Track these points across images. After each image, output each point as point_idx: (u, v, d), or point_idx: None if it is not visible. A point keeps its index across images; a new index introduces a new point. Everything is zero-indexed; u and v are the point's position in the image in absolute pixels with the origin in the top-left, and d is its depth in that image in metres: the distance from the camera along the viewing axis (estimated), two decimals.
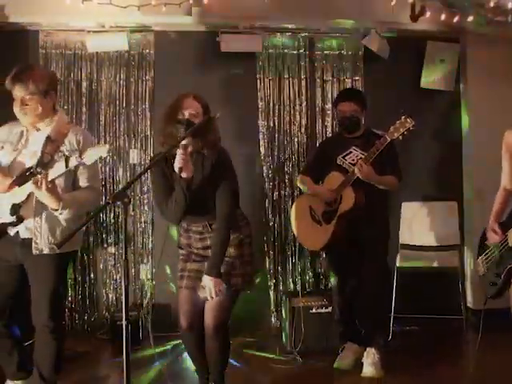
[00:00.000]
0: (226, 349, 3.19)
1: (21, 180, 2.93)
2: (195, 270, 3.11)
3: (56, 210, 2.86)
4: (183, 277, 3.13)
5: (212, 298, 2.96)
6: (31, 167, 2.92)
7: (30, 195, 2.90)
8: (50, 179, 2.76)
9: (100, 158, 2.76)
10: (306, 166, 4.52)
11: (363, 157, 3.79)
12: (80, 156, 2.69)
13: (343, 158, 3.96)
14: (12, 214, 2.90)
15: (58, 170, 2.79)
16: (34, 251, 2.94)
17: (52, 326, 3.00)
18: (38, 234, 2.95)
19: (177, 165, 2.87)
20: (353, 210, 3.78)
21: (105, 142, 4.91)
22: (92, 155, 2.70)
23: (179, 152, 2.86)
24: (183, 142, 2.85)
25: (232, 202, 3.05)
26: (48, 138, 2.96)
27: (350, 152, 3.96)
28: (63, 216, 2.93)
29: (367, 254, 3.84)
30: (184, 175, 2.87)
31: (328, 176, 3.98)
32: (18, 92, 2.96)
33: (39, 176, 2.76)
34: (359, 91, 4.08)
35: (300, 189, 4.38)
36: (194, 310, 3.08)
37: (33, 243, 2.94)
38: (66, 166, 2.73)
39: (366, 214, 3.79)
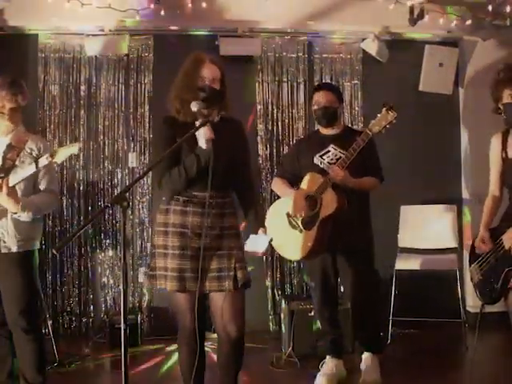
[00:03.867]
0: (243, 358, 2.92)
1: None
2: (196, 270, 2.72)
3: (15, 213, 2.98)
4: (182, 278, 2.74)
5: (261, 253, 2.77)
6: None
7: None
8: (11, 184, 2.88)
9: (71, 155, 2.94)
10: (280, 167, 4.15)
11: (343, 156, 3.52)
12: (51, 156, 2.81)
13: (321, 157, 3.70)
14: None
15: (21, 174, 2.93)
16: (3, 250, 3.04)
17: (24, 325, 3.03)
18: (6, 232, 3.05)
19: (206, 136, 2.67)
20: (336, 214, 3.49)
21: (104, 146, 4.93)
22: (63, 154, 2.84)
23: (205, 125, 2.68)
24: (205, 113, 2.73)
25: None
26: (9, 145, 3.06)
27: (329, 151, 3.69)
28: (22, 218, 3.03)
29: (354, 260, 3.68)
30: (207, 146, 2.69)
31: (306, 177, 3.64)
32: (9, 103, 3.09)
33: (0, 181, 2.88)
34: (335, 84, 3.85)
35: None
36: (198, 313, 2.75)
37: (1, 242, 3.04)
38: (36, 166, 2.86)
39: (349, 219, 3.54)
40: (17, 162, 3.02)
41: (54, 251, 2.42)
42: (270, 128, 5.07)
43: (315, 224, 3.52)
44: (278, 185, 3.89)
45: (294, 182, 3.78)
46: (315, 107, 3.78)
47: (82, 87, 4.92)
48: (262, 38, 4.98)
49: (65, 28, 4.78)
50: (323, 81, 5.10)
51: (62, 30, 4.80)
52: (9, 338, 3.14)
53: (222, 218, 2.83)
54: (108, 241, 4.92)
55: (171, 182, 2.78)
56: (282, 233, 3.62)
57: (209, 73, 2.81)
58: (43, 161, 2.84)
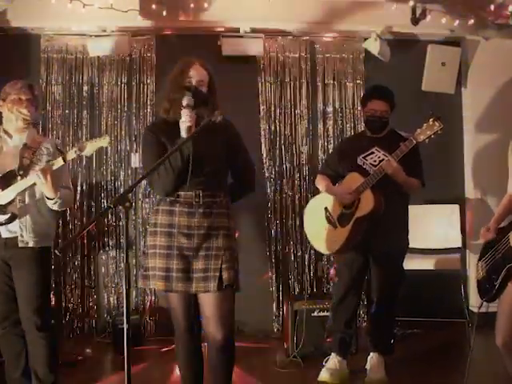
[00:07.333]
0: (234, 360, 2.88)
1: (3, 183, 3.10)
2: (182, 270, 2.74)
3: (52, 198, 3.07)
4: (169, 277, 2.75)
5: None
6: (13, 170, 3.10)
7: (14, 197, 3.09)
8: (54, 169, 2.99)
9: (101, 148, 3.07)
10: (324, 164, 4.24)
11: (388, 157, 3.60)
12: (79, 149, 2.95)
13: (364, 158, 3.77)
14: (1, 214, 3.08)
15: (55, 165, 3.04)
16: (20, 244, 3.09)
17: (38, 323, 3.05)
18: (24, 228, 3.10)
19: (186, 123, 2.69)
20: (371, 215, 3.60)
21: (106, 146, 4.91)
22: (92, 147, 2.97)
23: (186, 112, 2.70)
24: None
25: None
26: (25, 145, 3.17)
27: (372, 153, 3.76)
28: (56, 206, 3.12)
29: (389, 261, 3.75)
30: (186, 134, 2.68)
31: (347, 176, 3.78)
32: (25, 95, 3.14)
33: (45, 167, 3.00)
34: (391, 91, 3.83)
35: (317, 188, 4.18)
36: (192, 312, 2.86)
37: (18, 236, 3.09)
38: (64, 160, 2.97)
39: (387, 221, 3.63)
40: (34, 160, 3.14)
41: (58, 252, 2.43)
42: (272, 128, 5.07)
43: (350, 222, 3.65)
44: (319, 181, 3.99)
45: (337, 180, 3.90)
46: (368, 114, 3.81)
47: (85, 88, 4.93)
48: (265, 38, 4.97)
49: (67, 29, 4.78)
50: (325, 81, 5.10)
51: (64, 30, 4.81)
52: (23, 336, 3.14)
53: (211, 218, 2.78)
54: (111, 241, 4.92)
55: (161, 180, 2.75)
56: (317, 225, 3.86)
57: (196, 74, 2.83)
58: (72, 154, 2.98)
